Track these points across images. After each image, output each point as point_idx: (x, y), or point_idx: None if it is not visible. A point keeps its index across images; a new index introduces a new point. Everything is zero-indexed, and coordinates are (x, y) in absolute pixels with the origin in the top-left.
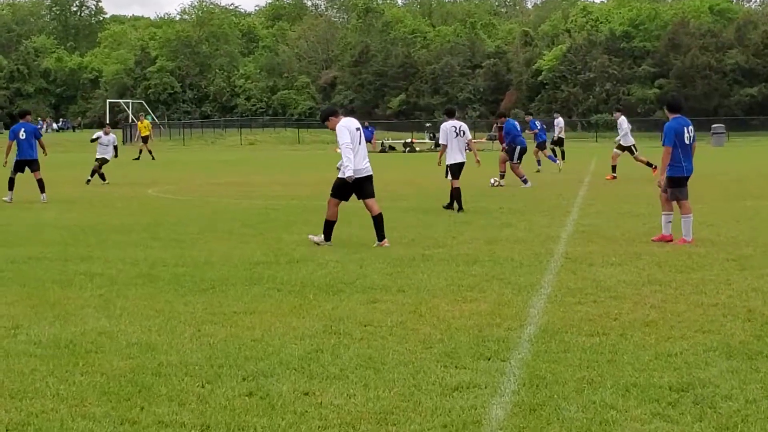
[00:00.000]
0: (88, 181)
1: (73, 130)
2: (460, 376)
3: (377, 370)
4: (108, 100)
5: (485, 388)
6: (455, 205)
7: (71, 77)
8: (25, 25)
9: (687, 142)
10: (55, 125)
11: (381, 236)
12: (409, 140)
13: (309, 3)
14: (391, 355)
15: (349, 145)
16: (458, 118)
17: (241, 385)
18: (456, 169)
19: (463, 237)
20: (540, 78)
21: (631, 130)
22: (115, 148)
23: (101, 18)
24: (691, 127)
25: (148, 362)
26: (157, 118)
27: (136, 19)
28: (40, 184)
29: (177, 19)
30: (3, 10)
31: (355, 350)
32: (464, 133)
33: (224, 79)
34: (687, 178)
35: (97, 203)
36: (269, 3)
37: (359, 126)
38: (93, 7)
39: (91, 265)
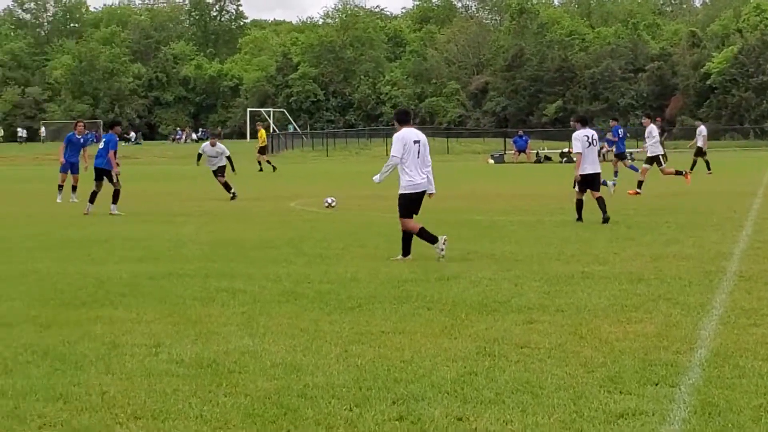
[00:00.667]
0: (233, 196)
1: None
2: (626, 402)
3: (535, 394)
4: (248, 109)
5: (653, 415)
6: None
7: (211, 85)
8: (164, 32)
9: None
10: (194, 135)
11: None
12: (566, 150)
13: (459, 4)
14: (549, 379)
15: (396, 159)
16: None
17: (390, 408)
18: (588, 180)
19: (625, 253)
20: (709, 82)
21: None
22: (229, 159)
23: (242, 23)
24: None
25: (293, 383)
26: (299, 127)
27: (277, 23)
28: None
29: (320, 23)
30: (141, 15)
31: (511, 373)
32: (596, 143)
33: (369, 86)
34: None
35: (238, 218)
36: (416, 5)
37: (419, 138)
38: (233, 11)
39: (233, 281)
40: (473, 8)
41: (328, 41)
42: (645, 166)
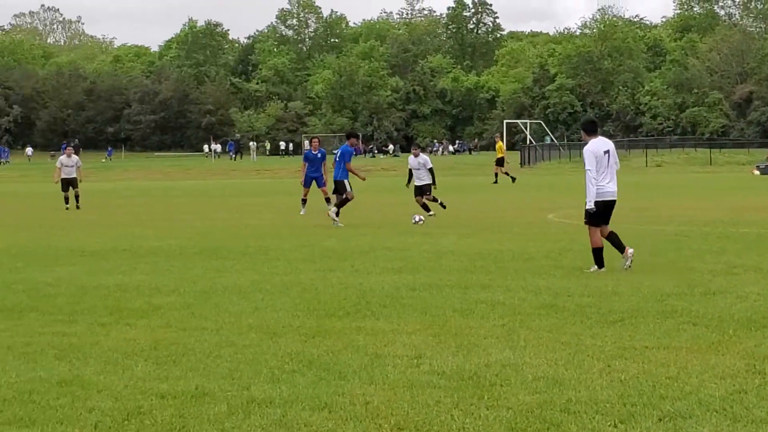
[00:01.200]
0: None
1: (470, 153)
2: None
3: None
4: (505, 121)
5: None
6: None
7: (467, 97)
8: (421, 45)
9: None
10: (451, 147)
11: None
12: None
13: (722, 12)
14: None
15: (592, 173)
16: None
17: (656, 426)
18: None
19: None
20: None
21: None
22: (431, 171)
23: (498, 35)
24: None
25: (555, 398)
26: (555, 138)
27: (534, 35)
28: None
29: (577, 33)
30: (399, 29)
31: None
32: None
33: (628, 97)
34: None
35: (495, 229)
36: (677, 14)
37: (609, 148)
38: (490, 23)
39: (492, 293)
40: (737, 16)
41: (585, 52)
42: None
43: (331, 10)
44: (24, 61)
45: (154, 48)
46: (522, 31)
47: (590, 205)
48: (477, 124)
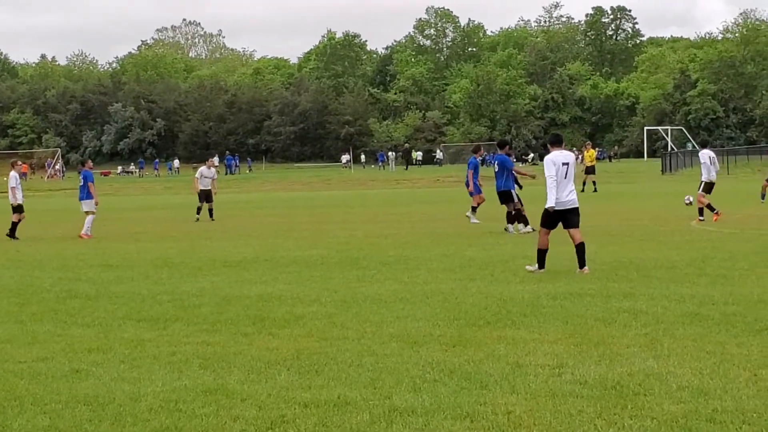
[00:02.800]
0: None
1: (609, 160)
2: None
3: None
4: (645, 128)
5: None
6: None
7: (607, 104)
8: (560, 52)
9: None
10: None
11: (582, 263)
12: None
13: None
14: None
15: (553, 178)
16: None
17: None
18: None
19: None
20: None
21: None
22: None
23: (638, 41)
24: None
25: (701, 407)
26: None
27: (674, 40)
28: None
29: (719, 38)
30: (537, 37)
31: None
32: None
33: None
34: None
35: (637, 237)
36: None
37: (568, 161)
38: (629, 30)
39: (635, 302)
40: None
41: (728, 56)
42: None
43: (469, 19)
44: (166, 74)
45: (294, 60)
46: (662, 37)
47: (550, 204)
48: (617, 131)
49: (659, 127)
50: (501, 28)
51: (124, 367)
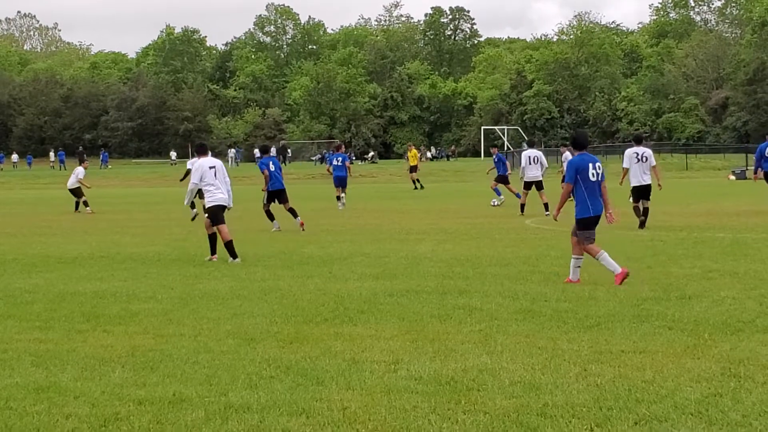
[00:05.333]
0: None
1: (447, 159)
2: None
3: None
4: (483, 127)
5: None
6: None
7: (445, 103)
8: (399, 52)
9: (593, 179)
10: (429, 154)
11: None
12: None
13: (698, 18)
14: None
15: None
16: None
17: (633, 429)
18: None
19: None
20: None
21: None
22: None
23: (476, 41)
24: (598, 164)
25: (532, 402)
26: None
27: (511, 41)
28: (292, 212)
29: (554, 40)
30: (377, 36)
31: (758, 395)
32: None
33: (605, 102)
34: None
35: (473, 235)
36: (653, 20)
37: (215, 164)
38: (467, 30)
39: (470, 299)
40: (712, 22)
41: (562, 58)
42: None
43: (309, 16)
44: (0, 68)
45: (132, 55)
46: (499, 38)
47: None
48: (455, 130)
49: (496, 127)
50: (341, 26)
51: None
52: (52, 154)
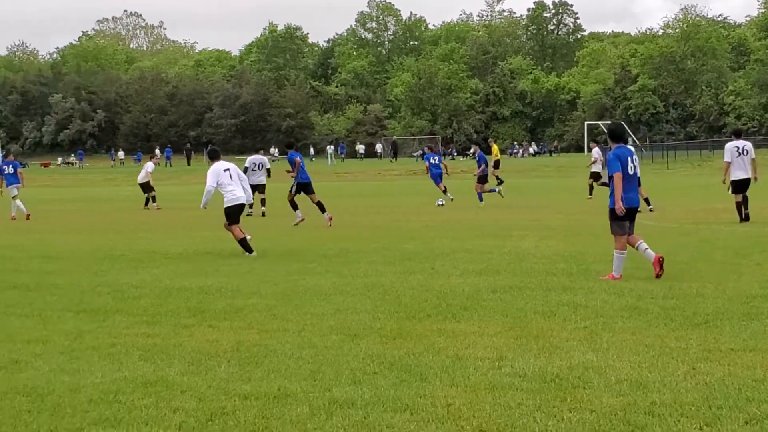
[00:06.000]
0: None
1: (550, 154)
2: None
3: None
4: (586, 122)
5: None
6: None
7: (548, 99)
8: (501, 47)
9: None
10: (531, 149)
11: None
12: None
13: None
14: None
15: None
16: None
17: (743, 428)
18: None
19: None
20: None
21: None
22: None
23: (579, 36)
24: (635, 158)
25: (639, 400)
26: (638, 140)
27: (615, 35)
28: (320, 206)
29: (660, 33)
30: (479, 31)
31: None
32: None
33: (711, 97)
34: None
35: (576, 231)
36: (762, 13)
37: (228, 167)
38: (571, 24)
39: (574, 295)
40: None
41: (668, 52)
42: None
43: (410, 12)
44: (107, 66)
45: (235, 52)
46: (603, 32)
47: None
48: (557, 125)
49: (600, 122)
50: (443, 22)
51: (64, 359)
52: (157, 151)
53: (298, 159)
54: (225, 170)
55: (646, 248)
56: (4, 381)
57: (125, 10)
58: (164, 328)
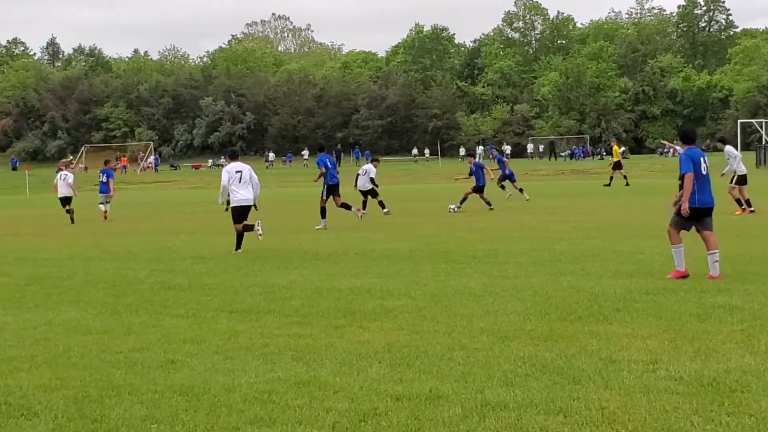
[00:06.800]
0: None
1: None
2: None
3: None
4: (739, 121)
5: None
6: None
7: (699, 97)
8: (651, 45)
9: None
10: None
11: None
12: None
13: None
14: None
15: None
16: None
17: None
18: None
19: None
20: None
21: None
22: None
23: (731, 32)
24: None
25: None
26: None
27: None
28: (345, 206)
29: None
30: (628, 29)
31: None
32: None
33: None
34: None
35: (733, 231)
36: None
37: (241, 169)
38: (723, 21)
39: (730, 297)
40: None
41: None
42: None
43: (558, 11)
44: (256, 68)
45: (381, 54)
46: (756, 29)
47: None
48: (709, 124)
49: (754, 120)
50: (591, 20)
51: (218, 358)
52: (306, 152)
53: (322, 168)
54: (237, 172)
55: (716, 261)
56: (161, 380)
57: (273, 14)
58: (315, 329)
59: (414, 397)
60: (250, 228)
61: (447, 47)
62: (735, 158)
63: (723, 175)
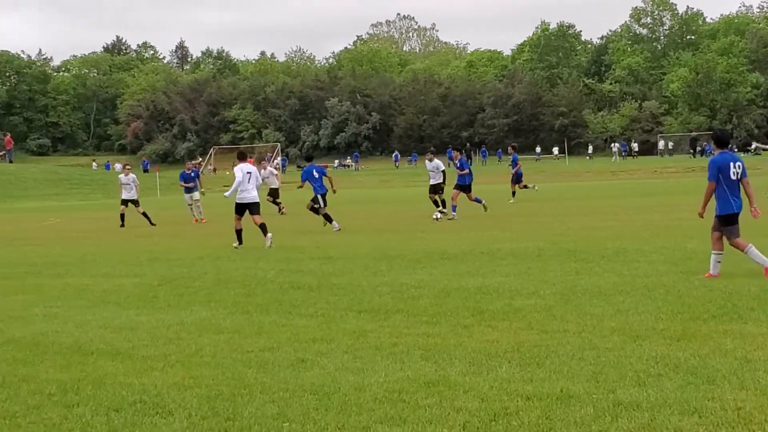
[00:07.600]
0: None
1: None
2: None
3: None
4: None
5: None
6: None
7: None
8: None
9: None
10: None
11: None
12: None
13: None
14: None
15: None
16: None
17: None
18: None
19: None
20: None
21: None
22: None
23: None
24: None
25: None
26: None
27: None
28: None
29: None
30: (759, 24)
31: None
32: None
33: None
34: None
35: None
36: None
37: (251, 170)
38: None
39: None
40: None
41: None
42: None
43: (687, 6)
44: (381, 69)
45: (507, 52)
46: None
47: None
48: None
49: None
50: (721, 15)
51: (348, 358)
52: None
53: (314, 173)
54: (248, 173)
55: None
56: (292, 379)
57: (398, 14)
58: (444, 328)
59: (545, 396)
60: (265, 228)
61: (573, 44)
62: None
63: None
